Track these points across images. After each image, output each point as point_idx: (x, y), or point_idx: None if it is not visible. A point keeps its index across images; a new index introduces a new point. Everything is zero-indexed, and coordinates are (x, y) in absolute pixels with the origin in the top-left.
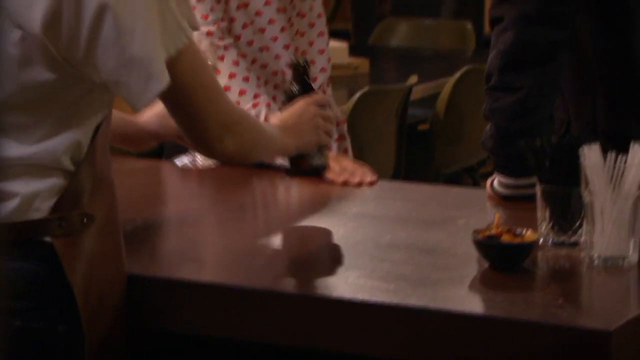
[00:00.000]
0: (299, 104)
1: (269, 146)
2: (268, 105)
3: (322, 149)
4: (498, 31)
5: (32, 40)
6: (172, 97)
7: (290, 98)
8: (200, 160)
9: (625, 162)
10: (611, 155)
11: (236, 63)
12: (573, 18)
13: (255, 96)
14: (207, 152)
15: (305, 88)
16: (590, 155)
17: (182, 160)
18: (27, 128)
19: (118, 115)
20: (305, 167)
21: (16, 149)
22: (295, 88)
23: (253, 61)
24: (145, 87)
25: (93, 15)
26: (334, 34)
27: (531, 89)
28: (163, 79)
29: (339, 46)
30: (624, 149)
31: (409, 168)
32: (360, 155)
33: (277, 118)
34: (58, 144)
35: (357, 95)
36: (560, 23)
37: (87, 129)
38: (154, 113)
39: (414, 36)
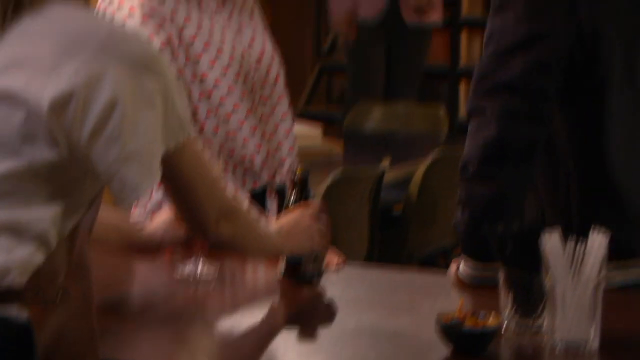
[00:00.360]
0: (296, 212)
1: (262, 241)
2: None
3: (318, 257)
4: (478, 123)
5: (37, 119)
6: (171, 184)
7: (287, 205)
8: (203, 271)
9: (585, 248)
10: (571, 241)
11: None
12: (553, 115)
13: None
14: (201, 234)
15: (303, 196)
16: (551, 241)
17: (185, 270)
18: (17, 194)
19: (125, 226)
20: (300, 273)
21: (2, 211)
22: (293, 196)
23: (220, 148)
24: (140, 183)
25: (102, 108)
26: (310, 117)
27: (509, 182)
28: (157, 176)
29: (312, 130)
30: None
31: (382, 251)
32: (332, 238)
33: (274, 223)
34: (45, 214)
35: (330, 178)
36: (542, 120)
37: (75, 209)
38: (159, 222)
39: (388, 120)
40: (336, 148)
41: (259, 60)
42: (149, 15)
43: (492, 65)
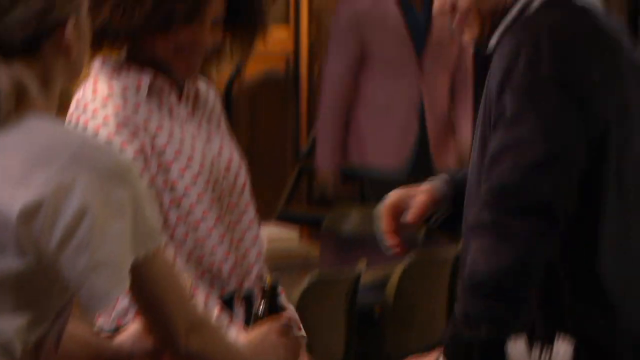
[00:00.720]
0: (265, 326)
1: (231, 355)
2: (206, 300)
3: None
4: (498, 239)
5: (6, 229)
6: (140, 294)
7: (257, 313)
8: None
9: (551, 355)
10: (536, 349)
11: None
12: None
13: (193, 291)
14: (170, 348)
15: (273, 305)
16: (516, 347)
17: None
18: None
19: (94, 340)
20: None
21: None
22: (262, 305)
23: (189, 255)
24: (109, 291)
25: (72, 216)
26: (289, 218)
27: (526, 303)
28: (126, 284)
29: (289, 232)
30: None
31: (360, 353)
32: (309, 341)
33: (243, 336)
34: (9, 325)
35: (307, 281)
36: (557, 239)
37: (41, 319)
38: (128, 334)
39: (365, 222)
40: (314, 250)
41: (227, 168)
42: (123, 124)
43: (515, 181)
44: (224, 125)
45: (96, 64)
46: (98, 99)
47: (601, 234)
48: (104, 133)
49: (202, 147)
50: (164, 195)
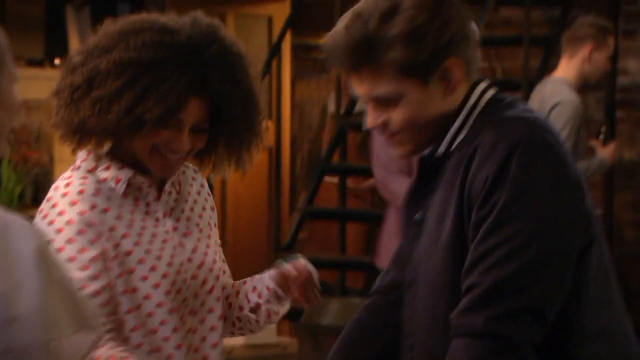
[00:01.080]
0: None
1: None
2: None
3: None
4: (495, 349)
5: None
6: None
7: None
8: None
9: None
10: None
11: None
12: None
13: None
14: None
15: None
16: None
17: None
18: None
19: None
20: None
21: None
22: None
23: None
24: None
25: None
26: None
27: None
28: None
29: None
30: None
31: None
32: None
33: None
34: None
35: None
36: None
37: None
38: None
39: (345, 314)
40: (293, 343)
41: (194, 276)
42: (85, 229)
43: (509, 282)
44: (205, 224)
45: (80, 155)
46: (67, 199)
47: (580, 318)
48: (65, 235)
49: (172, 251)
50: (123, 300)
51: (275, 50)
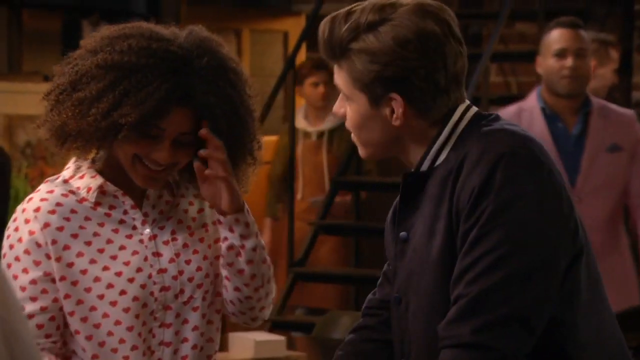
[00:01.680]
0: None
1: None
2: None
3: None
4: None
5: None
6: None
7: None
8: None
9: None
10: None
11: None
12: None
13: None
14: None
15: None
16: None
17: None
18: None
19: None
20: None
21: None
22: None
23: None
24: None
25: None
26: (283, 326)
27: None
28: None
29: (276, 339)
30: None
31: None
32: None
33: None
34: None
35: None
36: None
37: None
38: None
39: None
40: (302, 357)
41: (168, 286)
42: (32, 248)
43: (496, 293)
44: (198, 229)
45: (69, 163)
46: (23, 216)
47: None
48: (15, 253)
49: (140, 263)
50: (72, 321)
51: (290, 64)
